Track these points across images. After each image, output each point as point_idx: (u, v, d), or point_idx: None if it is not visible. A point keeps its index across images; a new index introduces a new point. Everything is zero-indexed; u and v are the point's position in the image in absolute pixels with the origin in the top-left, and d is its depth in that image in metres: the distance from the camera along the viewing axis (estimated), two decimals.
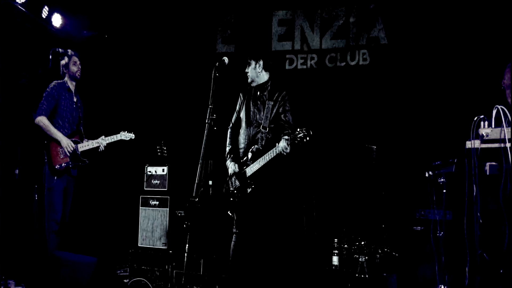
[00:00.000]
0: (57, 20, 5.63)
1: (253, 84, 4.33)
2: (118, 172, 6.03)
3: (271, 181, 4.14)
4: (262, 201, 4.12)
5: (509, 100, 3.86)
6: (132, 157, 5.85)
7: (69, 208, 4.65)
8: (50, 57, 4.22)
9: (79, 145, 4.66)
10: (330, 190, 5.40)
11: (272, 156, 4.00)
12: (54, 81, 4.67)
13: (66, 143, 4.55)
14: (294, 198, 5.23)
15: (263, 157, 4.07)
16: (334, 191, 5.37)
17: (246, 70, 4.33)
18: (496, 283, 3.33)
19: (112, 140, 4.79)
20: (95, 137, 4.77)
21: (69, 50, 4.73)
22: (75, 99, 4.76)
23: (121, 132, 4.83)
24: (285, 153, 3.92)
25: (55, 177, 4.51)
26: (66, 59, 4.67)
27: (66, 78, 4.73)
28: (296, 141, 3.79)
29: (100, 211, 6.05)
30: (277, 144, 3.97)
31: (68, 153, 4.56)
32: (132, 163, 5.78)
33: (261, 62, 4.30)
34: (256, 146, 4.19)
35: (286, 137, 3.87)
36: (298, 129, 3.81)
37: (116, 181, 6.05)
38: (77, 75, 4.72)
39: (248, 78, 4.34)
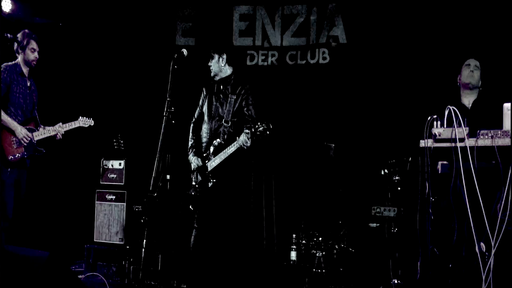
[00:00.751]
0: (6, 5, 5.38)
1: (216, 78, 4.32)
2: (74, 164, 5.86)
3: (231, 176, 4.15)
4: (222, 195, 4.13)
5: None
6: (88, 149, 5.70)
7: (21, 202, 4.45)
8: None
9: (34, 133, 4.39)
10: (289, 186, 5.44)
11: (233, 150, 4.01)
12: (4, 64, 4.33)
13: (22, 132, 4.29)
14: (254, 192, 5.25)
15: (224, 151, 4.08)
16: (293, 187, 5.42)
17: (209, 64, 4.30)
18: (446, 277, 3.46)
19: (71, 127, 4.55)
20: (51, 123, 4.52)
21: (26, 30, 4.46)
22: (28, 84, 4.48)
23: (79, 118, 4.59)
24: (245, 147, 3.93)
25: (8, 169, 4.29)
26: (24, 41, 4.40)
27: (19, 60, 4.44)
28: (257, 135, 3.81)
29: (54, 205, 5.87)
30: (237, 137, 3.98)
31: (24, 143, 4.32)
32: (88, 156, 5.63)
33: (224, 56, 4.29)
34: (218, 140, 4.19)
35: (247, 130, 3.89)
36: (259, 123, 3.83)
37: (71, 174, 5.88)
38: (32, 64, 4.45)
39: (210, 72, 4.31)
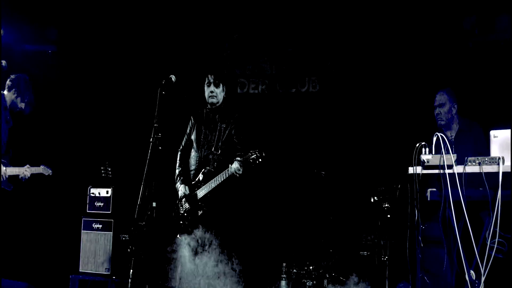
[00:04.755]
0: None
1: (213, 106, 4.29)
2: (60, 192, 5.78)
3: (222, 203, 4.11)
4: (213, 223, 4.07)
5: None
6: (75, 177, 5.63)
7: None
8: None
9: (8, 169, 4.37)
10: (279, 214, 5.39)
11: (225, 178, 3.98)
12: None
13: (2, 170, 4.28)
14: (244, 221, 5.19)
15: (215, 178, 4.05)
16: (284, 215, 5.37)
17: (212, 89, 4.27)
18: None
19: (36, 172, 4.52)
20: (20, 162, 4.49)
21: (26, 78, 4.55)
22: (8, 117, 4.52)
23: (41, 166, 4.57)
24: (237, 175, 3.91)
25: None
26: (17, 86, 4.47)
27: (5, 94, 4.49)
28: (249, 162, 3.80)
29: (38, 234, 5.75)
30: (230, 165, 3.95)
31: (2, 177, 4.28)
32: (75, 184, 5.56)
33: (225, 87, 4.32)
34: (208, 167, 4.16)
35: (239, 158, 3.88)
36: (251, 151, 3.83)
37: (57, 202, 5.79)
38: (14, 110, 4.52)
39: (206, 98, 4.29)
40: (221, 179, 4.01)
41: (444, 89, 4.26)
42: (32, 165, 4.51)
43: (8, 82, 4.52)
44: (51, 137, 5.81)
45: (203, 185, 4.13)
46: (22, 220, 5.62)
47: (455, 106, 4.22)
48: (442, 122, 4.15)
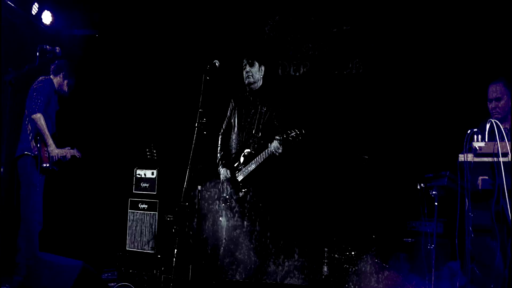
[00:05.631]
0: (47, 17, 5.55)
1: (252, 87, 4.27)
2: (107, 173, 5.95)
3: (263, 184, 4.11)
4: (253, 206, 4.09)
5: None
6: (121, 159, 5.77)
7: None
8: (38, 54, 4.12)
9: (57, 150, 4.52)
10: (321, 197, 5.35)
11: (265, 157, 3.97)
12: (42, 77, 4.56)
13: (55, 152, 4.46)
14: (285, 204, 5.19)
15: (255, 159, 4.05)
16: (325, 199, 5.33)
17: (247, 71, 4.24)
18: None
19: (73, 154, 4.66)
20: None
21: (68, 63, 4.68)
22: (56, 100, 4.70)
23: (74, 149, 4.69)
24: (277, 153, 3.89)
25: (42, 176, 4.42)
26: (61, 70, 4.63)
27: (53, 78, 4.64)
28: (289, 140, 3.77)
29: (87, 213, 5.96)
30: (269, 144, 3.93)
31: (54, 158, 4.47)
32: (122, 165, 5.70)
33: (263, 68, 4.27)
34: (248, 150, 4.16)
35: (278, 137, 3.85)
36: (291, 129, 3.79)
37: (104, 183, 5.96)
38: (62, 92, 4.70)
39: (245, 80, 4.27)
40: (261, 159, 4.00)
41: (499, 80, 3.93)
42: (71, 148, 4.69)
43: (52, 67, 4.68)
44: (97, 120, 5.95)
45: (244, 167, 4.14)
46: (73, 200, 5.82)
47: (507, 90, 3.96)
48: (499, 116, 3.82)
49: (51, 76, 4.65)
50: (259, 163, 4.02)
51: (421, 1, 5.35)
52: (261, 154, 4.00)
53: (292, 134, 3.78)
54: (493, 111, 3.86)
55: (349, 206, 5.11)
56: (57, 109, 4.72)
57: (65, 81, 4.68)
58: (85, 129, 5.75)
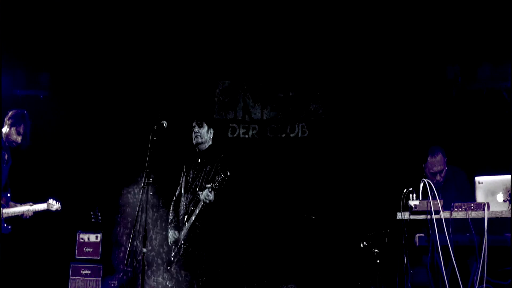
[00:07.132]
0: None
1: (200, 147, 4.33)
2: (48, 237, 5.68)
3: (203, 239, 4.07)
4: (193, 263, 4.05)
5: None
6: (64, 222, 5.56)
7: None
8: None
9: (4, 210, 4.21)
10: (270, 262, 5.34)
11: (199, 209, 3.96)
12: None
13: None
14: (225, 260, 5.14)
15: (193, 214, 4.04)
16: (272, 257, 5.32)
17: (196, 130, 4.30)
18: None
19: (39, 209, 4.34)
20: (21, 200, 4.37)
21: (24, 112, 4.36)
22: (6, 156, 4.33)
23: (48, 200, 4.39)
24: (207, 201, 3.89)
25: None
26: (13, 119, 4.28)
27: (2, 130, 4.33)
28: (216, 186, 3.80)
29: (25, 279, 5.62)
30: (200, 193, 3.95)
31: None
32: (64, 228, 5.49)
33: (212, 130, 4.37)
34: (192, 208, 4.16)
35: (208, 185, 3.88)
36: (217, 175, 3.84)
37: (45, 246, 5.69)
38: (13, 144, 4.32)
39: (193, 140, 4.33)
40: (197, 211, 4.00)
41: (437, 150, 4.03)
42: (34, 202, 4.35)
43: (5, 119, 4.35)
44: (43, 178, 5.77)
45: (186, 224, 4.13)
46: (11, 263, 5.49)
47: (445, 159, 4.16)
48: (440, 168, 3.97)
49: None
50: (196, 216, 4.02)
51: (359, 69, 5.76)
52: (196, 208, 4.03)
53: (218, 179, 3.83)
54: (435, 181, 3.92)
55: (295, 265, 5.12)
56: (8, 165, 4.34)
57: (13, 129, 4.28)
58: (26, 188, 5.55)
